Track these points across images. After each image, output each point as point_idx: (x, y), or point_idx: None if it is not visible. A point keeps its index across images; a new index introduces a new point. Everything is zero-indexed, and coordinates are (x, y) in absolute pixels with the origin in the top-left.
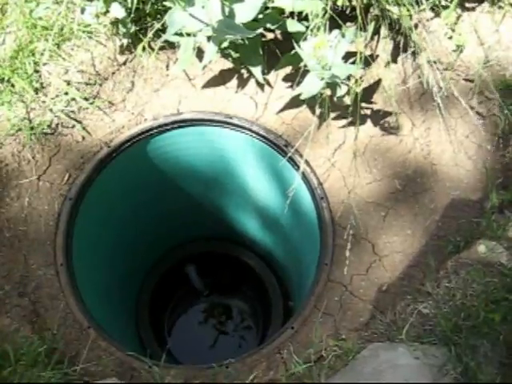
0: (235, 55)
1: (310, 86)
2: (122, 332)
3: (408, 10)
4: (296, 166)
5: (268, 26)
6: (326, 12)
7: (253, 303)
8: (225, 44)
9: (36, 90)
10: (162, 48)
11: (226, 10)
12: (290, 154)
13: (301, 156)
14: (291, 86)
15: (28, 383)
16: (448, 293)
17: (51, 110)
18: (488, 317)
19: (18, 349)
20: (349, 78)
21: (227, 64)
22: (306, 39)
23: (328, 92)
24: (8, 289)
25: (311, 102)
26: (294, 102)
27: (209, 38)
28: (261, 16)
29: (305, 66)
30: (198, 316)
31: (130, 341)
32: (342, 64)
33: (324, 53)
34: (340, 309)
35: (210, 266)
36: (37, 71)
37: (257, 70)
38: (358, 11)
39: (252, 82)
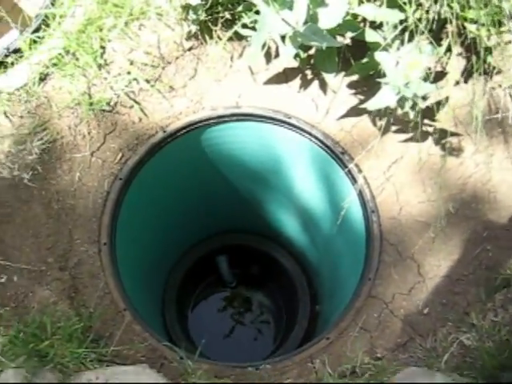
0: (303, 55)
1: (383, 99)
2: (148, 311)
3: (488, 31)
4: (350, 174)
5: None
6: (404, 23)
7: (277, 300)
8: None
9: (99, 66)
10: (228, 39)
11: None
12: (350, 166)
13: (357, 167)
14: (355, 93)
15: None
16: (493, 327)
17: (112, 88)
18: None
19: (55, 322)
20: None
21: (292, 62)
22: (386, 50)
23: (393, 105)
24: (50, 261)
25: (374, 113)
26: (356, 110)
27: (283, 38)
28: (340, 22)
29: (377, 76)
30: (221, 304)
31: (154, 320)
32: (423, 82)
33: (414, 73)
34: (378, 326)
35: (241, 259)
36: (102, 47)
37: (330, 77)
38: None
39: (315, 83)
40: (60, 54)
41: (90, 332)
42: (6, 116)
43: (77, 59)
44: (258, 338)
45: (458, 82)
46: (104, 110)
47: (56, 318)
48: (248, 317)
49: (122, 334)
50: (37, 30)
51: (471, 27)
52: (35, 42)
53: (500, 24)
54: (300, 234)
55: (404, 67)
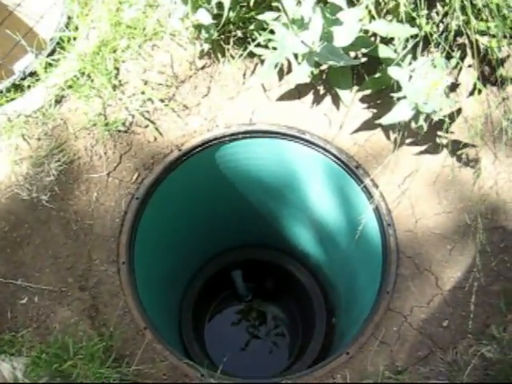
0: (316, 71)
1: (399, 114)
2: (165, 327)
3: (498, 42)
4: (366, 189)
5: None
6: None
7: (293, 313)
8: None
9: (114, 87)
10: (240, 56)
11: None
12: (366, 183)
13: (373, 181)
14: (367, 107)
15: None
16: None
17: (127, 108)
18: None
19: (77, 342)
20: None
21: (305, 78)
22: (398, 64)
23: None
24: (70, 281)
25: (387, 126)
26: (369, 124)
27: (296, 56)
28: (354, 39)
29: (390, 90)
30: (236, 318)
31: (171, 335)
32: (442, 98)
33: (436, 91)
34: (398, 340)
35: (256, 273)
36: (116, 68)
37: (344, 93)
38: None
39: (328, 98)
40: (75, 75)
41: (111, 351)
42: (24, 139)
43: (92, 81)
44: (273, 351)
45: (471, 94)
46: (119, 131)
47: (78, 338)
48: (263, 330)
49: (143, 352)
50: (52, 53)
51: (482, 39)
52: (50, 64)
53: (511, 35)
54: (315, 247)
55: (425, 86)
